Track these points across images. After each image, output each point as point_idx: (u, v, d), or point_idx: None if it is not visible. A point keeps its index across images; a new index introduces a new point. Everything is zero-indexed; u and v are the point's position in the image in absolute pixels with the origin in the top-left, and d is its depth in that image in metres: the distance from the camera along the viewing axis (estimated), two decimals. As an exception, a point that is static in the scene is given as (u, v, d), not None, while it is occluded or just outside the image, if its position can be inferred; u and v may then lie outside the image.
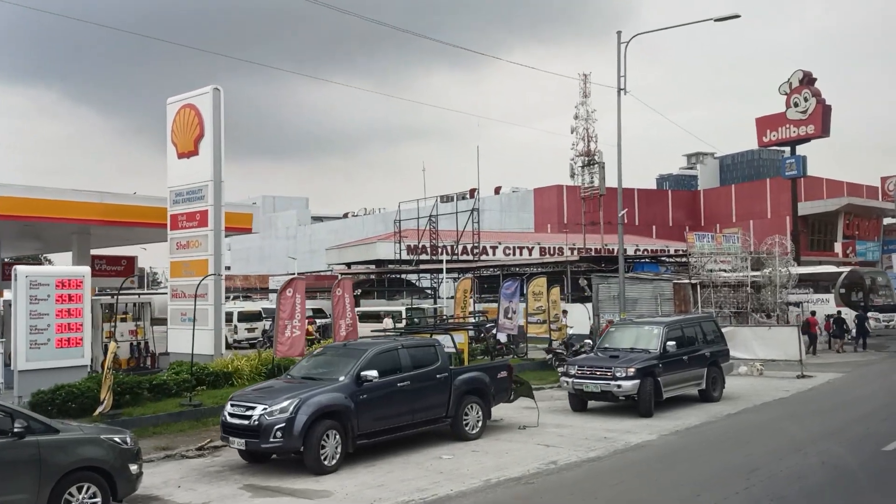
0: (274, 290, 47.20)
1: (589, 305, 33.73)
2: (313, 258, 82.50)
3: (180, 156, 19.41)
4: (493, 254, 56.03)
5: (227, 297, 56.60)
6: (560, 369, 17.07)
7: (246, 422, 10.68)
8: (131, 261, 24.34)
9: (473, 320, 28.73)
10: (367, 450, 11.55)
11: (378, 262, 53.67)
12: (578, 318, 30.98)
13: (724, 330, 22.20)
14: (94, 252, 24.42)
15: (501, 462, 11.22)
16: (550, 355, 23.19)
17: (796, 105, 55.45)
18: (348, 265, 57.46)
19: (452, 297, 43.80)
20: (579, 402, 15.80)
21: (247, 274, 75.25)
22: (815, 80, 56.31)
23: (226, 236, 25.91)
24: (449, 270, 42.44)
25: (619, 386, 14.81)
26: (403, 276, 51.88)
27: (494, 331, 23.40)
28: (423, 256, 49.03)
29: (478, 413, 13.07)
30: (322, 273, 64.03)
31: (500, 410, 15.17)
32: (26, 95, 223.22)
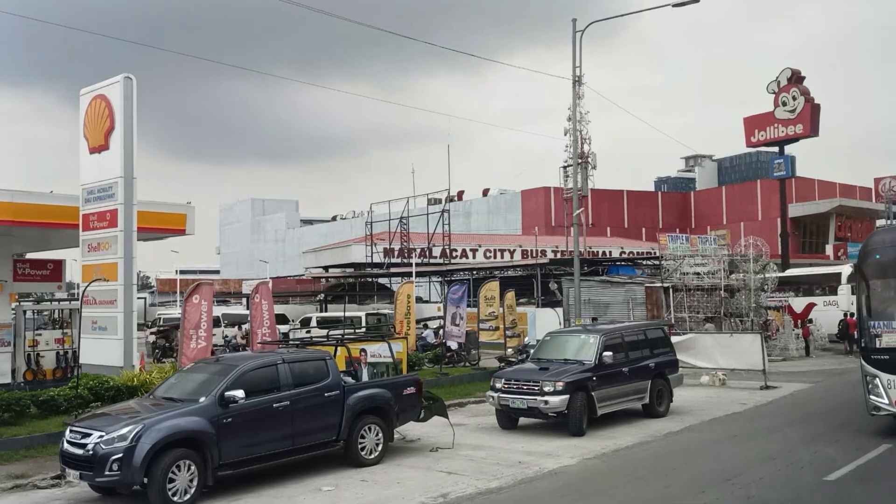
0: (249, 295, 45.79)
1: (559, 310, 32.41)
2: (301, 262, 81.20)
3: (92, 151, 17.98)
4: (474, 256, 54.60)
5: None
6: None
7: (80, 451, 9.26)
8: (58, 265, 22.81)
9: (425, 327, 27.39)
10: (235, 481, 10.12)
11: (355, 266, 52.28)
12: (548, 323, 29.62)
13: (684, 337, 20.89)
14: (17, 256, 23.00)
15: (385, 496, 9.79)
16: (503, 364, 21.77)
17: (784, 104, 53.97)
18: (325, 268, 56.10)
19: (423, 301, 42.52)
20: (507, 419, 14.35)
21: (226, 278, 74.08)
22: (804, 78, 54.84)
23: (158, 238, 24.65)
24: (419, 274, 41.03)
25: (546, 402, 13.36)
26: (377, 279, 50.46)
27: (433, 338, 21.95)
28: (396, 259, 47.61)
29: (377, 435, 11.62)
30: (301, 277, 62.66)
31: (419, 429, 13.84)
32: (24, 98, 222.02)
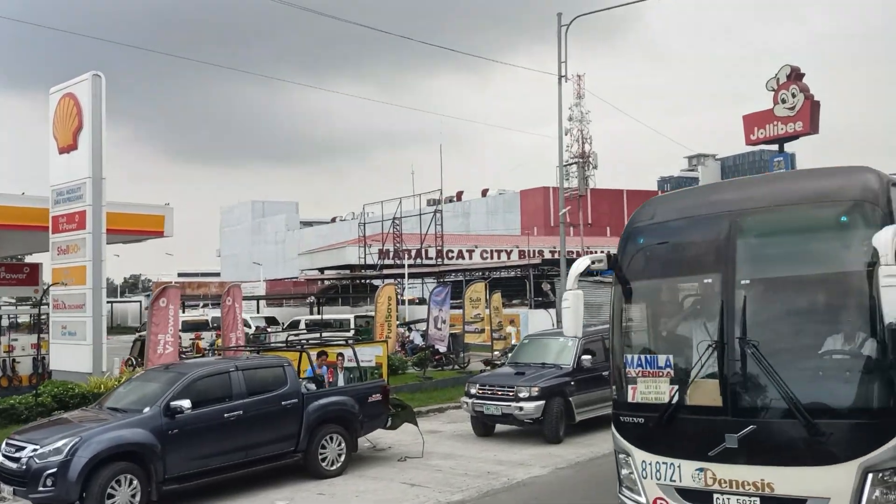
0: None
1: (553, 311, 31.89)
2: (299, 263, 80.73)
3: (61, 151, 17.57)
4: (470, 257, 54.06)
5: (196, 305, 54.85)
6: None
7: (15, 465, 8.78)
8: (35, 268, 22.45)
9: (405, 331, 26.88)
10: (182, 496, 9.61)
11: (350, 267, 51.85)
12: (541, 325, 29.11)
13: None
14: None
15: (340, 510, 9.29)
16: (489, 367, 21.27)
17: (784, 101, 52.96)
18: (321, 270, 55.73)
19: (421, 303, 41.98)
20: (483, 425, 13.82)
21: (224, 281, 73.59)
22: (804, 75, 54.04)
23: (136, 241, 24.24)
24: (413, 275, 40.58)
25: (521, 408, 12.83)
26: (370, 281, 50.02)
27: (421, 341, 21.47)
28: (390, 261, 47.16)
29: (339, 445, 11.10)
30: (296, 279, 62.23)
31: (391, 437, 13.31)
32: (23, 102, 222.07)
